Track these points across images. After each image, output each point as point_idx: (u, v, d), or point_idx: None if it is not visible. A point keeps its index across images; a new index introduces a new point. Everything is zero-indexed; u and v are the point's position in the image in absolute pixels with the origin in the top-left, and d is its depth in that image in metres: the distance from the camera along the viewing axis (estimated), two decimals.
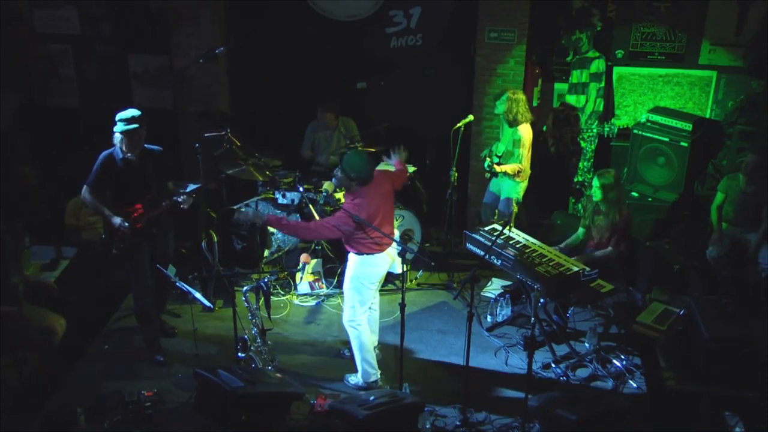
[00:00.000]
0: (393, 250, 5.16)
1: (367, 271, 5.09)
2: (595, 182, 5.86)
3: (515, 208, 6.54)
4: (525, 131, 6.47)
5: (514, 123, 6.44)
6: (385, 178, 5.21)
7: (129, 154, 5.20)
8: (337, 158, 6.59)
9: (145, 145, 5.30)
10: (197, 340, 5.28)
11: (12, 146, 7.02)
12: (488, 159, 6.53)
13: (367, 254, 5.04)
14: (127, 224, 5.19)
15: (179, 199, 5.30)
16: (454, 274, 6.87)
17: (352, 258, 5.13)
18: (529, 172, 6.60)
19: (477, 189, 7.38)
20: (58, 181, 7.11)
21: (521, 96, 6.42)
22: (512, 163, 6.50)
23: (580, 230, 6.13)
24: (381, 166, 7.09)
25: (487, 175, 6.67)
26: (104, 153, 5.27)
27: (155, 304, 5.96)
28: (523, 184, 6.63)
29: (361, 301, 5.17)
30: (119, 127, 5.14)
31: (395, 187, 5.33)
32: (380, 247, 5.06)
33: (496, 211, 6.10)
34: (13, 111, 6.90)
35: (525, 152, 6.48)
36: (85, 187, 5.29)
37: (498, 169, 6.47)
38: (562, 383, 5.41)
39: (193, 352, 5.25)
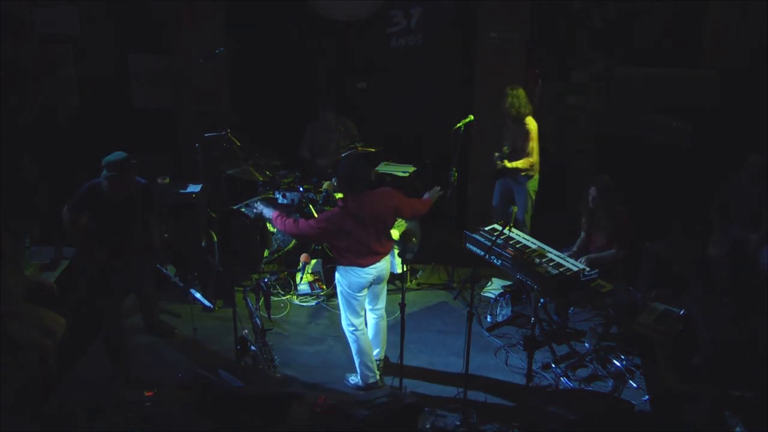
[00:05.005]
0: (384, 263, 5.12)
1: (346, 279, 5.10)
2: (592, 189, 5.85)
3: (515, 209, 6.54)
4: (531, 123, 6.56)
5: (518, 118, 6.49)
6: (389, 200, 5.06)
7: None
8: (337, 158, 6.61)
9: None
10: (197, 340, 5.28)
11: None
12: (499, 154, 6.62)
13: (345, 265, 5.05)
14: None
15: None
16: (454, 274, 6.87)
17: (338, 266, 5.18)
18: (538, 161, 6.67)
19: (477, 189, 7.38)
20: (58, 181, 7.10)
21: (521, 91, 6.47)
22: (524, 159, 6.58)
23: (583, 234, 6.13)
24: (381, 167, 7.15)
25: (498, 163, 6.66)
26: (90, 182, 5.23)
27: (149, 308, 5.98)
28: (535, 181, 6.69)
29: (349, 307, 5.19)
30: (103, 173, 5.11)
31: (402, 212, 5.18)
32: (358, 261, 4.99)
33: (513, 209, 6.13)
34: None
35: (534, 145, 6.56)
36: (65, 207, 5.26)
37: (510, 164, 6.54)
38: (562, 383, 5.41)
39: (193, 352, 5.25)
